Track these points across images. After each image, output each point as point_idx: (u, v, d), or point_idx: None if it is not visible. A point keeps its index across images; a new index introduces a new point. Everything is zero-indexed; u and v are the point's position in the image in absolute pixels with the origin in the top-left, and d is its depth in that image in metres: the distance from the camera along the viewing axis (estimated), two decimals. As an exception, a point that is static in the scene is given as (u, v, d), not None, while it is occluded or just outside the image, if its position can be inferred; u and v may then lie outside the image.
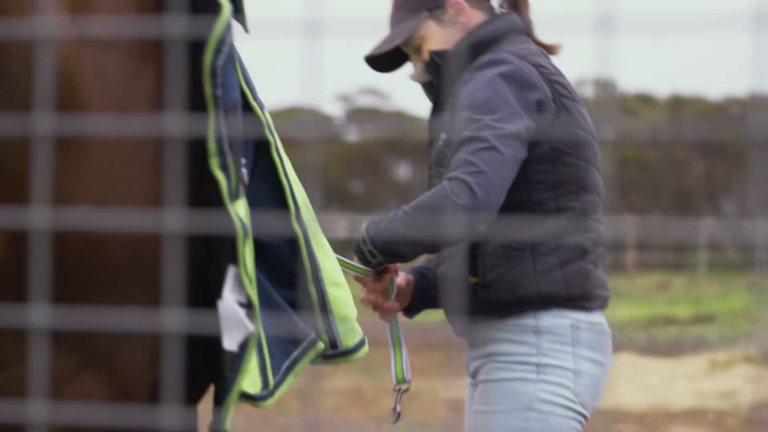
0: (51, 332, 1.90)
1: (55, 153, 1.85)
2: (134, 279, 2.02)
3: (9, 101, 1.78)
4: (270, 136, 2.31)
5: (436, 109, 3.38)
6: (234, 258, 2.04)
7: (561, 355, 3.18)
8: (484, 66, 3.20)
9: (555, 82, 3.24)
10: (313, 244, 2.41)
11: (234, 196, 2.05)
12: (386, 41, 3.40)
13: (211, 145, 2.00)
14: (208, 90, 2.00)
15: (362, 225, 3.10)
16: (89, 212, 1.89)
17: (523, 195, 3.18)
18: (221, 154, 2.01)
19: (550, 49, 3.41)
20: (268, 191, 2.33)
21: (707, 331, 19.78)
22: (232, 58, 2.08)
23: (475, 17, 3.38)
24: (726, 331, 19.36)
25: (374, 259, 3.11)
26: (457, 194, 2.99)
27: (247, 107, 2.25)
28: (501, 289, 3.19)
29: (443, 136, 3.26)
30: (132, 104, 1.98)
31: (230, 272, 2.05)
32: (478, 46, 3.30)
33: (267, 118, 2.32)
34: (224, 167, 2.02)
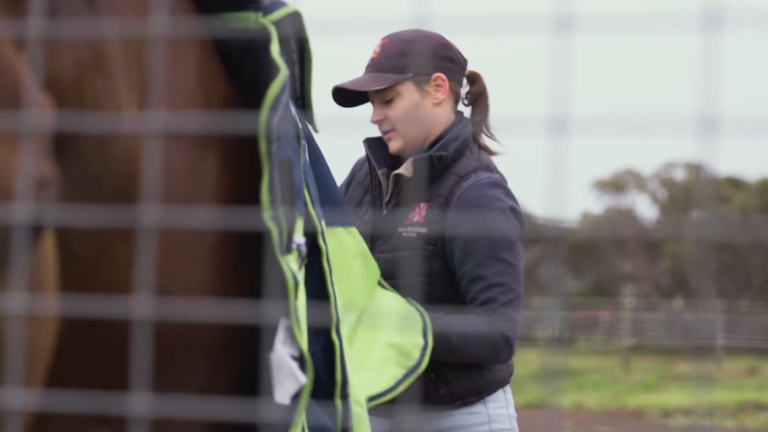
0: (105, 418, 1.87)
1: (112, 242, 1.85)
2: (185, 366, 2.00)
3: (80, 186, 1.77)
4: (323, 245, 2.30)
5: (398, 203, 3.63)
6: (285, 311, 2.03)
7: (503, 419, 3.63)
8: (490, 186, 3.53)
9: None
10: (346, 357, 2.38)
11: (286, 250, 2.03)
12: (364, 82, 3.57)
13: (265, 199, 1.99)
14: (262, 147, 2.01)
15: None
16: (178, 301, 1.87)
17: (454, 288, 3.52)
18: (273, 206, 2.00)
19: (492, 153, 3.74)
20: (313, 299, 2.29)
21: (798, 419, 19.36)
22: (293, 119, 2.09)
23: (447, 104, 3.66)
24: (818, 420, 18.92)
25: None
26: (501, 349, 3.46)
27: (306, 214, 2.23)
28: (461, 383, 3.57)
29: (423, 230, 3.53)
30: (192, 195, 1.97)
31: (282, 324, 2.03)
32: (459, 152, 3.61)
33: (323, 227, 2.31)
34: (276, 220, 2.01)
